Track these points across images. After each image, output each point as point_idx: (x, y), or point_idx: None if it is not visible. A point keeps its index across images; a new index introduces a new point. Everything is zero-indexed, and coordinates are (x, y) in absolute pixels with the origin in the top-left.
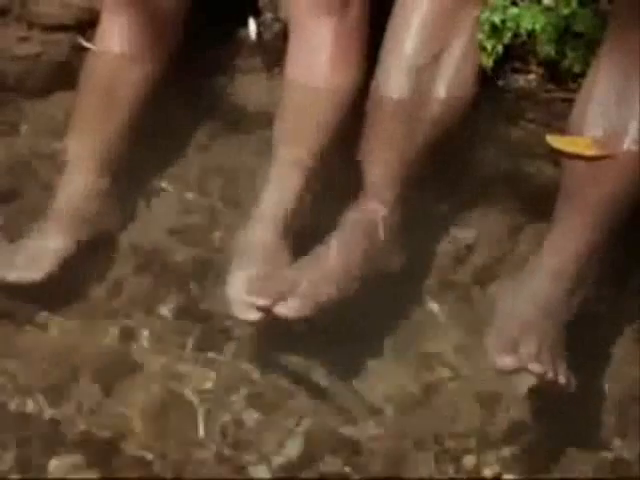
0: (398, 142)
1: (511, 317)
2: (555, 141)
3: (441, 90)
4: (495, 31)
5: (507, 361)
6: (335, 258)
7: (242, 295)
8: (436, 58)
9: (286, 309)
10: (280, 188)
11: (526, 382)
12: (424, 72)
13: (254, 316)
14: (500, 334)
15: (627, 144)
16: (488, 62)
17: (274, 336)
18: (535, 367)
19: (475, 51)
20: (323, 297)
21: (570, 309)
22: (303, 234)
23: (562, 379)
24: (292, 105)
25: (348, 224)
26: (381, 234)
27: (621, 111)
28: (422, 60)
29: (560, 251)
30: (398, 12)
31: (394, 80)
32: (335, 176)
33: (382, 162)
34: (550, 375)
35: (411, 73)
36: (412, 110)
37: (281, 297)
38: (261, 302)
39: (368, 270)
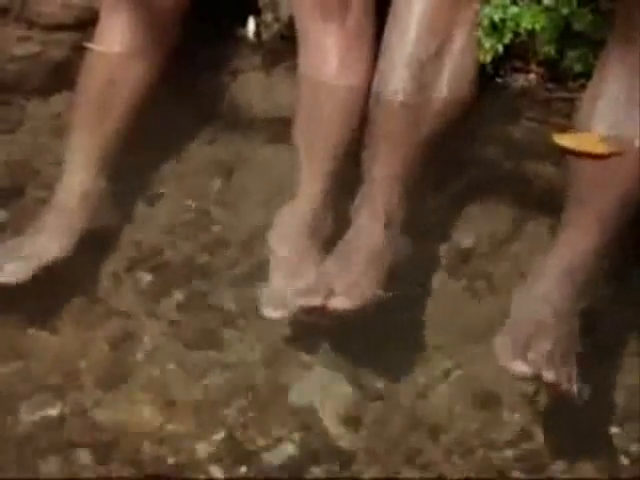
0: (401, 138)
1: (523, 319)
2: (562, 139)
3: (443, 84)
4: (495, 29)
5: (520, 367)
6: (365, 252)
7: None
8: (438, 52)
9: (341, 303)
10: (306, 193)
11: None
12: (426, 66)
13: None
14: (512, 337)
15: (637, 143)
16: (485, 59)
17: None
18: (549, 375)
19: (474, 47)
20: (369, 290)
21: (580, 311)
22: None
23: (574, 388)
24: (308, 108)
25: (362, 220)
26: (390, 231)
27: (630, 109)
28: (424, 54)
29: (571, 252)
30: (398, 6)
31: (396, 76)
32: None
33: (385, 158)
34: (564, 385)
35: (413, 68)
36: (414, 105)
37: (331, 293)
38: (314, 302)
39: (392, 265)
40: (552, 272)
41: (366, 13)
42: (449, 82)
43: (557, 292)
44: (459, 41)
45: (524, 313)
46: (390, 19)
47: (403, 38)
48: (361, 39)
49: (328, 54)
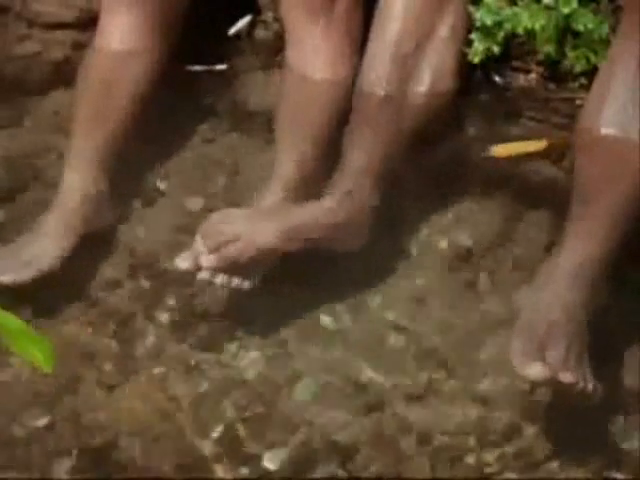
0: (381, 129)
1: (534, 321)
2: (501, 151)
3: (425, 77)
4: (487, 33)
5: (537, 371)
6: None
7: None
8: (420, 45)
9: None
10: (281, 183)
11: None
12: (408, 59)
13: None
14: (525, 340)
15: None
16: (474, 59)
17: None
18: (566, 377)
19: (457, 41)
20: (260, 249)
21: (589, 312)
22: None
23: (590, 388)
24: (291, 100)
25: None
26: (348, 211)
27: (637, 110)
28: (407, 47)
29: (578, 253)
30: (384, 0)
31: (379, 68)
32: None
33: (363, 149)
34: (580, 385)
35: (395, 61)
36: (396, 97)
37: (220, 245)
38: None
39: (323, 238)
40: (562, 273)
41: (353, 10)
42: (431, 75)
43: (568, 293)
44: (442, 34)
45: (535, 314)
46: (376, 13)
47: (386, 31)
48: (348, 36)
49: (314, 51)
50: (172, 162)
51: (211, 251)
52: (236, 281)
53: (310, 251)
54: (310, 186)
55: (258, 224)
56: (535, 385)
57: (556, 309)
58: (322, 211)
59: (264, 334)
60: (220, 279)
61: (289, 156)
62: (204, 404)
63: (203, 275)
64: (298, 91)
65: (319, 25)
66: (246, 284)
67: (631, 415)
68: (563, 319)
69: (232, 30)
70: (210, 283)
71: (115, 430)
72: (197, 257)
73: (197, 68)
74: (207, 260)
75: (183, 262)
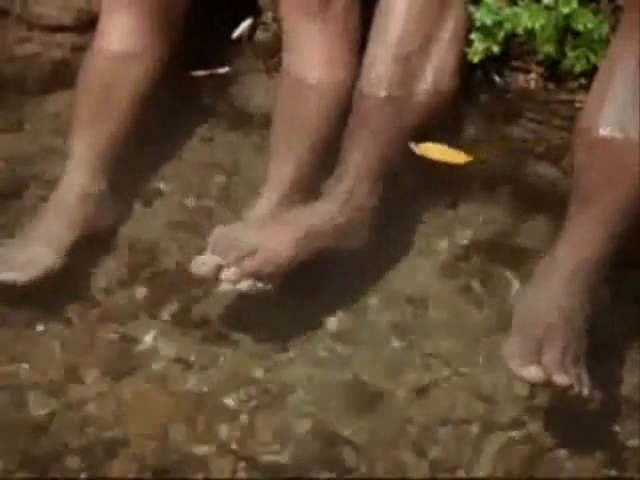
0: (381, 129)
1: (531, 322)
2: (426, 151)
3: (427, 78)
4: (487, 33)
5: (533, 373)
6: (298, 223)
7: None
8: (422, 46)
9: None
10: (277, 185)
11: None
12: (410, 60)
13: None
14: (521, 341)
15: None
16: (473, 59)
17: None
18: (561, 379)
19: (458, 42)
20: (281, 259)
21: (587, 313)
22: None
23: (586, 392)
24: (288, 103)
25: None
26: (350, 213)
27: (636, 110)
28: (409, 48)
29: (577, 253)
30: (385, 1)
31: (381, 69)
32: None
33: (363, 150)
34: (576, 388)
35: (397, 62)
36: (397, 98)
37: (239, 259)
38: (216, 262)
39: (331, 241)
40: (559, 274)
41: (350, 11)
42: (432, 75)
43: (566, 294)
44: (443, 35)
45: (532, 316)
46: (376, 14)
47: (388, 32)
48: (344, 35)
49: (311, 52)
50: (172, 163)
51: (231, 266)
52: (260, 285)
53: (317, 254)
54: (306, 188)
55: (272, 236)
56: (529, 384)
57: (553, 310)
58: (326, 214)
59: (265, 337)
60: (243, 285)
61: (285, 159)
62: (203, 405)
63: (225, 287)
64: (294, 94)
65: (316, 24)
66: (269, 287)
67: (631, 413)
68: (560, 320)
69: (235, 34)
70: (234, 290)
71: (115, 428)
72: (216, 268)
73: (200, 73)
74: (229, 274)
75: (201, 267)
